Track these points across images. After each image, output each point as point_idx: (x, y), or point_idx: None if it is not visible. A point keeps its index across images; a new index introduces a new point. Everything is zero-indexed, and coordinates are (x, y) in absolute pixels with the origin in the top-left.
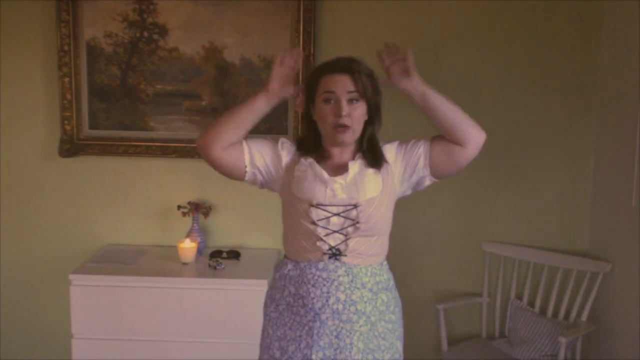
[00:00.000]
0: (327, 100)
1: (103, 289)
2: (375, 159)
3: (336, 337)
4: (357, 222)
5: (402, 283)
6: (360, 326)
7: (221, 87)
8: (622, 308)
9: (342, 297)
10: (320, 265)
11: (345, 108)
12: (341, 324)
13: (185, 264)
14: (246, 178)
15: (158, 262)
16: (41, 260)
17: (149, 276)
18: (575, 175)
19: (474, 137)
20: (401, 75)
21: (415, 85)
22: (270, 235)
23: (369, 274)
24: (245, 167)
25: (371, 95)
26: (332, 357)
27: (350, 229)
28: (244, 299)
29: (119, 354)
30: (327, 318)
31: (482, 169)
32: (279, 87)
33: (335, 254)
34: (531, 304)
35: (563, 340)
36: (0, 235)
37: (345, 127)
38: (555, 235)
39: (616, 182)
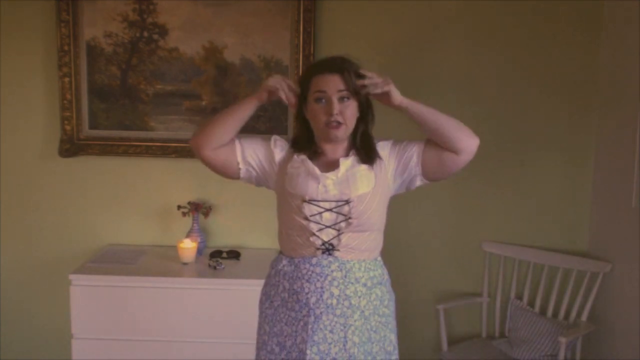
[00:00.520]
0: (318, 100)
1: (103, 289)
2: (368, 156)
3: (330, 331)
4: (350, 218)
5: (402, 283)
6: (355, 320)
7: (221, 87)
8: (622, 308)
9: (336, 292)
10: (314, 260)
11: (337, 107)
12: (335, 319)
13: (185, 264)
14: (241, 176)
15: (158, 262)
16: (41, 260)
17: (149, 276)
18: (575, 175)
19: (466, 145)
20: (382, 97)
21: (395, 103)
22: (270, 235)
23: (362, 269)
24: (239, 164)
25: (361, 93)
26: (326, 351)
27: (342, 224)
28: (244, 299)
29: (119, 354)
30: (321, 313)
31: (482, 169)
32: (269, 97)
33: (329, 249)
34: (531, 304)
35: (563, 340)
36: (0, 235)
37: (338, 123)
38: (555, 235)
39: (616, 182)
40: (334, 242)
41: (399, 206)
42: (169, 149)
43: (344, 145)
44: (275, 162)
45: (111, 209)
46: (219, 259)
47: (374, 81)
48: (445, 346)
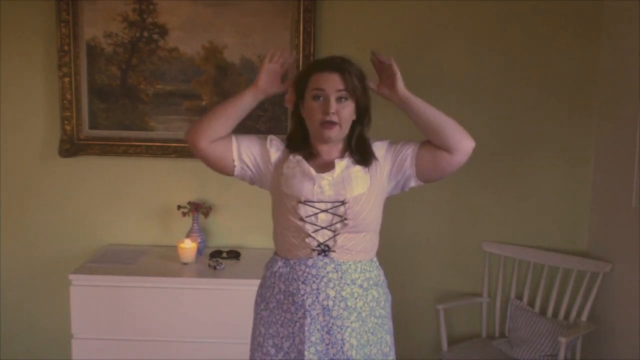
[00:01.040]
0: (316, 97)
1: (103, 289)
2: (363, 157)
3: (327, 332)
4: (345, 219)
5: (402, 283)
6: (352, 322)
7: (221, 87)
8: (622, 308)
9: (332, 293)
10: (310, 262)
11: (334, 105)
12: (332, 320)
13: (185, 264)
14: (235, 173)
15: (158, 262)
16: (41, 260)
17: (149, 276)
18: (575, 175)
19: (462, 144)
20: (387, 83)
21: (398, 91)
22: (270, 235)
23: (358, 270)
24: (234, 161)
25: (360, 95)
26: (324, 352)
27: (338, 225)
28: (244, 299)
29: (119, 354)
30: (317, 314)
31: (482, 169)
32: (268, 83)
33: (324, 250)
34: (531, 304)
35: (563, 340)
36: (0, 235)
37: (332, 124)
38: (555, 235)
39: (616, 182)
40: (330, 243)
41: (399, 206)
42: (169, 149)
43: (339, 146)
44: (271, 162)
45: (111, 209)
46: (219, 259)
47: (384, 57)
48: (445, 346)
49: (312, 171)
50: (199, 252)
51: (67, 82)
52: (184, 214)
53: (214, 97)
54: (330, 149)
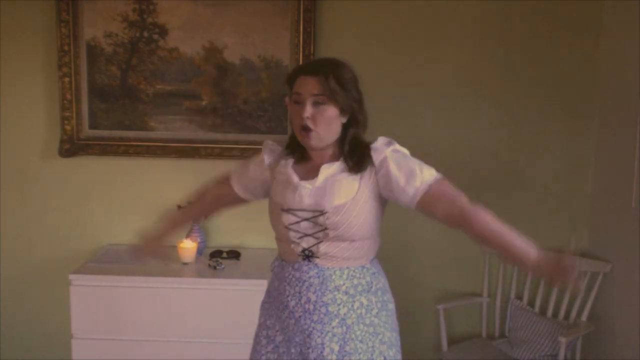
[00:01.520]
0: (296, 102)
1: (103, 289)
2: (357, 162)
3: (308, 336)
4: (326, 228)
5: (402, 283)
6: (333, 327)
7: (221, 87)
8: (622, 308)
9: (313, 297)
10: (296, 265)
11: (308, 110)
12: (312, 324)
13: (185, 264)
14: (254, 199)
15: (158, 262)
16: (41, 260)
17: (149, 276)
18: (575, 175)
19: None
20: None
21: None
22: (270, 235)
23: (344, 276)
24: (245, 198)
25: (343, 98)
26: (306, 353)
27: (320, 234)
28: (244, 299)
29: (119, 354)
30: (299, 317)
31: (482, 168)
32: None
33: (309, 255)
34: (531, 304)
35: (563, 340)
36: (0, 236)
37: (308, 131)
38: (555, 235)
39: (616, 183)
40: (314, 249)
41: (399, 206)
42: (169, 149)
43: (330, 151)
44: (265, 166)
45: (111, 209)
46: (219, 259)
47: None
48: (445, 346)
49: (295, 178)
50: (199, 252)
51: (67, 82)
52: None
53: (214, 97)
54: (321, 153)
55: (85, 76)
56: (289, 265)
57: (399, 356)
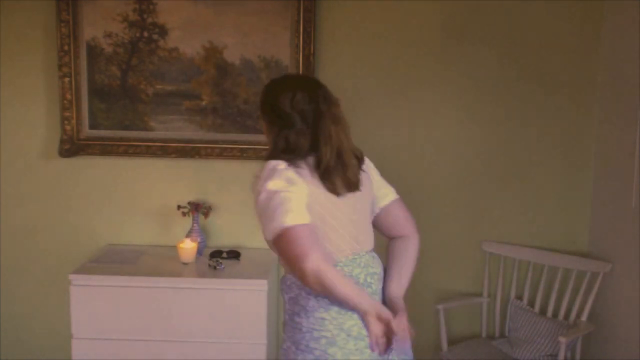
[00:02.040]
0: None
1: (103, 289)
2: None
3: None
4: None
5: None
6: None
7: (221, 87)
8: (622, 308)
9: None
10: None
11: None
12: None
13: (185, 264)
14: None
15: (158, 262)
16: (41, 260)
17: (149, 276)
18: (575, 175)
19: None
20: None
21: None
22: None
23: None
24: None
25: (261, 110)
26: None
27: None
28: (244, 299)
29: (119, 354)
30: None
31: (482, 169)
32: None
33: None
34: (531, 304)
35: (563, 340)
36: (0, 235)
37: None
38: (555, 235)
39: (616, 182)
40: None
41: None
42: (169, 149)
43: None
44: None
45: (111, 209)
46: (219, 259)
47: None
48: (445, 346)
49: None
50: (199, 252)
51: (67, 82)
52: (184, 214)
53: (214, 97)
54: None
55: (85, 76)
56: None
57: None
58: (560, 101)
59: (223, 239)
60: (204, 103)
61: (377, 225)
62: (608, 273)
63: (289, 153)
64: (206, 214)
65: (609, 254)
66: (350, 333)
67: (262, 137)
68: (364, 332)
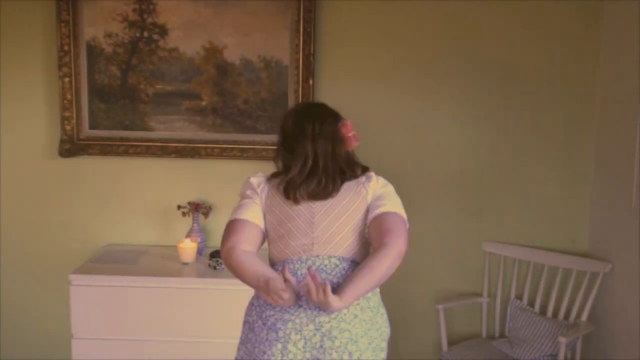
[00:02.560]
0: None
1: (103, 289)
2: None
3: None
4: None
5: (402, 283)
6: None
7: (221, 87)
8: (622, 308)
9: None
10: None
11: None
12: None
13: (185, 264)
14: None
15: (158, 262)
16: (41, 260)
17: (149, 276)
18: (575, 175)
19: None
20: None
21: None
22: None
23: None
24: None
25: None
26: None
27: None
28: (243, 299)
29: (119, 354)
30: None
31: (482, 169)
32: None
33: None
34: (531, 304)
35: (563, 340)
36: (0, 235)
37: None
38: (555, 235)
39: (616, 182)
40: None
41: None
42: (169, 149)
43: None
44: None
45: (111, 209)
46: (219, 259)
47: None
48: (445, 346)
49: None
50: (199, 252)
51: (67, 82)
52: (184, 214)
53: (214, 97)
54: None
55: (86, 76)
56: None
57: None
58: (560, 101)
59: None
60: (204, 103)
61: (369, 236)
62: (608, 273)
63: (284, 170)
64: (206, 214)
65: (608, 254)
66: (266, 322)
67: (261, 137)
68: (279, 324)
